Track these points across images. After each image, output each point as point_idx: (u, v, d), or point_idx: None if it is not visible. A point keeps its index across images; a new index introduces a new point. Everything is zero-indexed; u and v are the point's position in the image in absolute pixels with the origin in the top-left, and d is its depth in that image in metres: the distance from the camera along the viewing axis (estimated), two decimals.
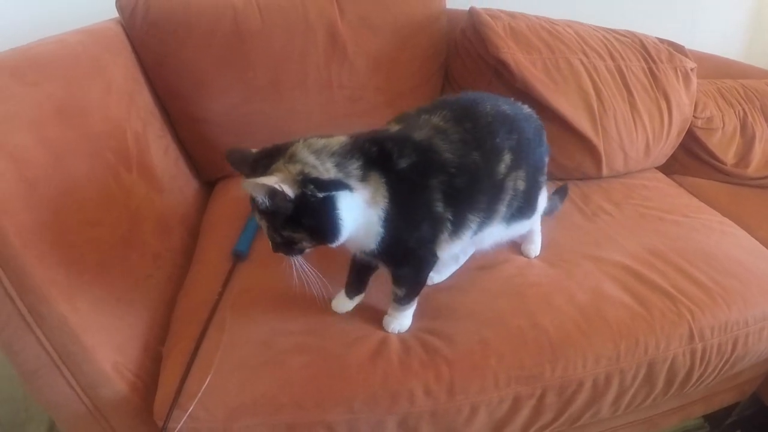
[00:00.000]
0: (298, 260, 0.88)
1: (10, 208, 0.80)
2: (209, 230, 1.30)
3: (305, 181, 0.78)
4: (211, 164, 1.49)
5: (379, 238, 0.86)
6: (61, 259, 0.87)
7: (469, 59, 1.47)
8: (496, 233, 1.03)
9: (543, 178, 1.09)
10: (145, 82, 1.36)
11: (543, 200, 1.12)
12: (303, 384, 0.91)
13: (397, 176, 0.85)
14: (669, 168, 1.62)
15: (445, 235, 0.92)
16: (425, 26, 1.49)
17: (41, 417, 1.41)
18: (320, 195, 0.79)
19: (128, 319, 1.01)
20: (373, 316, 1.02)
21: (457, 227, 0.92)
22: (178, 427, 0.88)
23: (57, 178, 0.93)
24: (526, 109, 1.07)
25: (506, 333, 0.99)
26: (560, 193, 1.36)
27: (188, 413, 0.88)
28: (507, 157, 0.94)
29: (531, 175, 1.01)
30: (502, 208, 0.98)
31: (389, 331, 1.01)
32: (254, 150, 0.87)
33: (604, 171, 1.47)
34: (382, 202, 0.84)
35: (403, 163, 0.85)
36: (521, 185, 0.99)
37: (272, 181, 0.76)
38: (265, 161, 0.82)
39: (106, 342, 0.92)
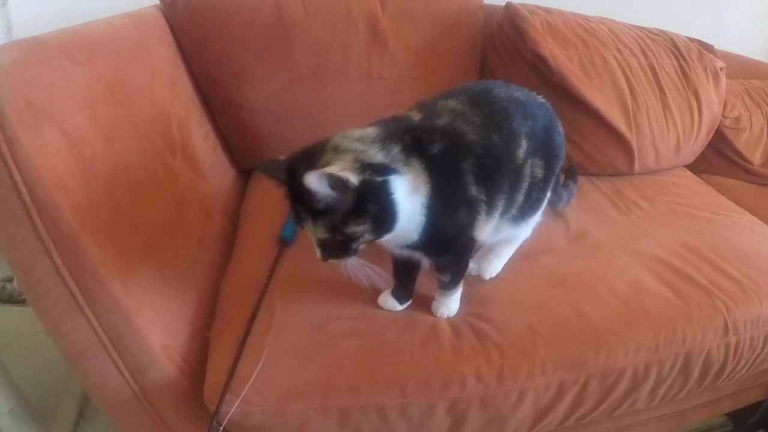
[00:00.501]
0: (352, 261, 0.83)
1: (66, 185, 0.76)
2: (249, 218, 1.26)
3: (363, 166, 0.74)
4: (248, 152, 1.45)
5: (420, 228, 0.81)
6: (113, 239, 0.83)
7: (505, 53, 1.44)
8: (507, 227, 0.99)
9: (558, 171, 1.05)
10: (185, 69, 1.31)
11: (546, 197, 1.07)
12: (356, 368, 0.88)
13: (433, 162, 0.80)
14: (696, 167, 1.60)
15: (482, 216, 0.88)
16: (463, 20, 1.46)
17: (70, 403, 1.38)
18: (379, 179, 0.74)
19: (176, 302, 0.96)
20: (421, 302, 0.99)
21: (490, 207, 0.88)
22: (231, 411, 0.84)
23: (109, 158, 0.89)
24: (540, 98, 1.02)
25: (552, 321, 0.97)
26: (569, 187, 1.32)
27: (241, 397, 0.83)
28: (524, 143, 0.90)
29: (548, 163, 0.96)
30: (520, 197, 0.94)
31: (438, 315, 0.97)
32: (282, 157, 0.81)
33: (636, 167, 1.44)
34: (424, 188, 0.80)
35: (435, 149, 0.81)
36: (539, 173, 0.95)
37: (335, 170, 0.71)
38: (303, 162, 0.76)
39: (156, 324, 0.88)
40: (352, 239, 0.78)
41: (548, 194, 1.04)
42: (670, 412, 1.22)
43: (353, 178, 0.71)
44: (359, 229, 0.76)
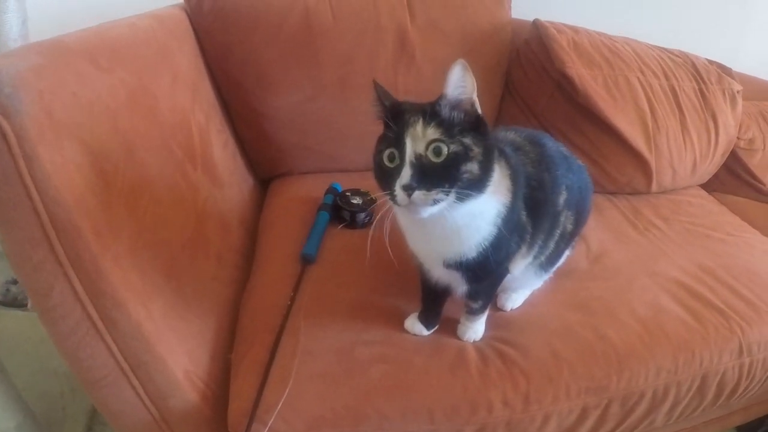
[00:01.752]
0: (433, 211, 0.65)
1: (87, 205, 0.67)
2: (268, 231, 1.15)
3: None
4: (267, 162, 1.35)
5: (486, 242, 0.72)
6: (135, 261, 0.75)
7: (531, 70, 1.36)
8: (531, 274, 0.93)
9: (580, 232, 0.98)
10: (207, 73, 1.20)
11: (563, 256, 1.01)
12: (385, 395, 0.81)
13: (513, 174, 0.73)
14: (709, 185, 1.53)
15: (524, 248, 0.82)
16: (491, 35, 1.36)
17: (79, 416, 1.26)
18: (488, 138, 0.67)
19: (197, 324, 0.87)
20: (446, 325, 0.92)
21: (532, 242, 0.83)
22: None
23: (131, 173, 0.79)
24: (579, 161, 0.96)
25: (576, 344, 0.91)
26: None
27: (269, 426, 0.75)
28: (564, 193, 0.85)
29: (576, 221, 0.91)
30: (552, 244, 0.88)
31: (464, 339, 0.91)
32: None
33: (654, 187, 1.37)
34: (505, 195, 0.72)
35: (512, 164, 0.74)
36: (569, 227, 0.89)
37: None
38: (414, 103, 0.69)
39: (178, 349, 0.79)
40: (463, 158, 0.64)
41: (566, 254, 0.98)
42: (685, 427, 1.17)
43: (478, 108, 0.66)
44: (475, 148, 0.65)
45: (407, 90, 1.29)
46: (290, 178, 1.34)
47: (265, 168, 1.36)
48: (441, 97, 0.65)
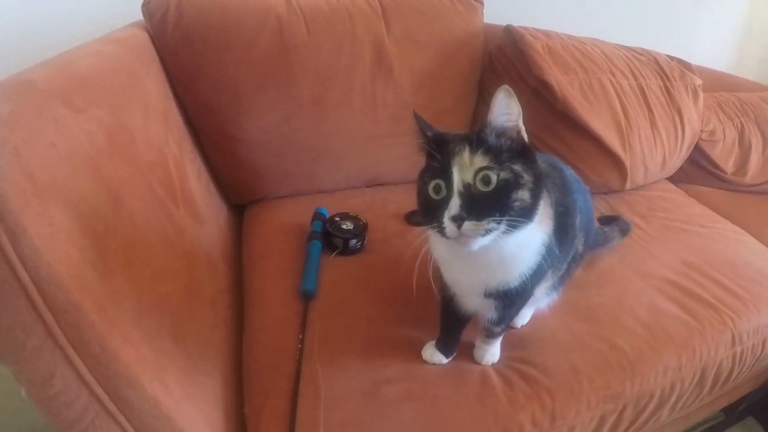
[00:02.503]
0: (484, 241, 0.63)
1: (85, 279, 0.59)
2: (257, 265, 1.08)
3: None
4: (242, 187, 1.26)
5: (530, 271, 0.71)
6: (143, 330, 0.67)
7: (507, 77, 1.35)
8: (543, 292, 0.93)
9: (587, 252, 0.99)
10: (174, 98, 1.10)
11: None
12: None
13: (552, 200, 0.73)
14: (675, 178, 1.61)
15: (550, 273, 0.82)
16: (466, 43, 1.34)
17: None
18: (536, 165, 0.65)
19: (207, 383, 0.80)
20: (460, 350, 0.91)
21: (558, 267, 0.83)
22: None
23: (121, 228, 0.72)
24: (583, 183, 0.97)
25: (590, 356, 0.95)
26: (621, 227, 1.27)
27: None
28: (578, 216, 0.85)
29: (586, 241, 0.92)
30: (564, 266, 0.88)
31: (482, 363, 0.91)
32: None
33: (628, 185, 1.42)
34: (548, 224, 0.71)
35: (550, 191, 0.73)
36: (580, 248, 0.91)
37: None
38: (455, 133, 0.68)
39: (197, 417, 0.72)
40: (513, 185, 0.62)
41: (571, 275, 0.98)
42: (682, 416, 1.23)
43: (525, 136, 0.65)
44: (526, 175, 0.63)
45: (386, 104, 1.26)
46: (267, 203, 1.26)
47: (239, 194, 1.28)
48: (485, 124, 0.63)
